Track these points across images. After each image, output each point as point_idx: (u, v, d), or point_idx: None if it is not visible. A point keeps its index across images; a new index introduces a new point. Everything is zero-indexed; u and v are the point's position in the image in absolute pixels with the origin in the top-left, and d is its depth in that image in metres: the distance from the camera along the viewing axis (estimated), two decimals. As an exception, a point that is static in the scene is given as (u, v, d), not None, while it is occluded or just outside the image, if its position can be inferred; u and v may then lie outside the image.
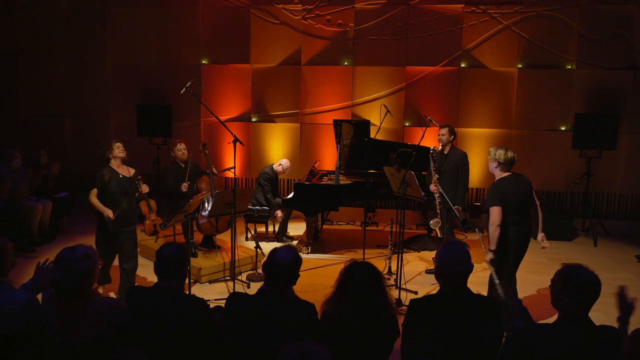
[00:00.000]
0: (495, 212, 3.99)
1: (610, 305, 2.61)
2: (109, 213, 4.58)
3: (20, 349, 2.48)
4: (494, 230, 3.98)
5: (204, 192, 5.54)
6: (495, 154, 4.21)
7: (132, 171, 4.89)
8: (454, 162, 5.78)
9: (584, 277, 2.26)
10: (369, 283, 2.46)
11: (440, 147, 5.88)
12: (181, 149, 5.82)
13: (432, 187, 5.65)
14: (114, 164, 4.75)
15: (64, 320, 2.38)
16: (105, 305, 2.47)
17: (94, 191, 4.65)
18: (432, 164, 5.66)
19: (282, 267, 2.50)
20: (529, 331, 2.33)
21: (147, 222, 4.92)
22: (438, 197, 5.61)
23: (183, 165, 5.84)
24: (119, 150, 4.75)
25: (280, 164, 7.07)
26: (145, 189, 4.85)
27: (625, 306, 2.50)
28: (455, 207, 5.41)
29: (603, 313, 2.60)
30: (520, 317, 2.48)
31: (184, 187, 5.63)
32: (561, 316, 2.32)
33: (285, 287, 2.55)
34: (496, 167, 4.22)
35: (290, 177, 8.24)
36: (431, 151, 5.65)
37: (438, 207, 5.65)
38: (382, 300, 2.48)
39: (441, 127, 5.92)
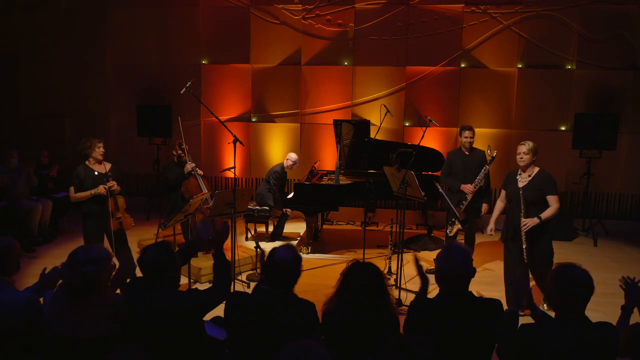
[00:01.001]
0: (558, 199, 4.52)
1: (610, 305, 2.62)
2: (97, 190, 4.79)
3: (20, 347, 2.49)
4: (555, 214, 4.50)
5: (203, 192, 5.54)
6: (533, 146, 4.50)
7: (108, 166, 5.03)
8: (479, 162, 5.71)
9: (577, 275, 2.27)
10: (371, 284, 2.46)
11: (468, 149, 5.71)
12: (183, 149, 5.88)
13: (471, 188, 5.52)
14: (91, 161, 4.91)
15: (70, 317, 2.40)
16: (111, 304, 2.48)
17: (72, 189, 4.85)
18: (487, 167, 5.50)
19: (282, 267, 2.49)
20: (527, 328, 2.34)
21: (112, 219, 4.96)
22: (470, 197, 5.57)
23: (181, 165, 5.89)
24: (99, 151, 4.91)
25: (287, 159, 6.99)
26: (111, 184, 4.86)
27: (633, 296, 2.53)
28: (459, 207, 5.43)
29: (603, 313, 2.61)
30: (516, 301, 2.53)
31: (190, 166, 5.76)
32: (558, 315, 2.33)
33: (285, 287, 2.53)
34: (534, 160, 4.53)
35: (290, 177, 8.23)
36: (493, 155, 5.43)
37: (464, 208, 5.57)
38: (383, 300, 2.48)
39: (465, 129, 5.71)
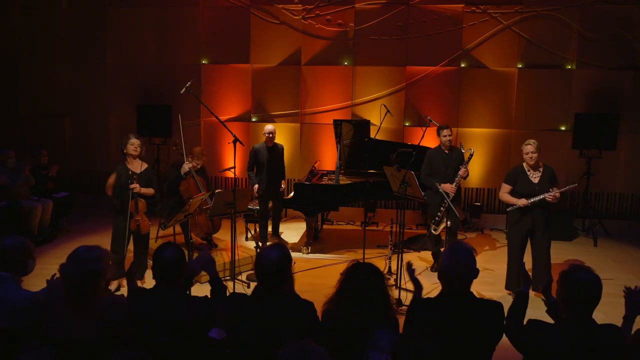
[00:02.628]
0: None
1: (611, 305, 2.62)
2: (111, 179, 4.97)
3: (21, 345, 2.50)
4: None
5: (202, 192, 5.54)
6: (538, 144, 4.87)
7: (145, 166, 5.14)
8: (459, 160, 5.77)
9: (585, 279, 2.26)
10: (371, 284, 2.45)
11: (447, 148, 5.77)
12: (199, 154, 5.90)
13: (451, 188, 5.55)
14: (129, 159, 5.05)
15: (68, 318, 2.41)
16: (107, 304, 2.49)
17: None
18: (466, 165, 5.61)
19: (270, 267, 2.46)
20: (533, 325, 2.34)
21: (132, 219, 5.00)
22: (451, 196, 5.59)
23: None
24: (132, 147, 5.03)
25: (263, 133, 6.60)
26: (133, 186, 4.94)
27: (634, 304, 2.52)
28: (441, 208, 5.44)
29: (604, 313, 2.61)
30: (527, 284, 2.68)
31: (187, 166, 5.71)
32: (564, 316, 2.33)
33: (277, 286, 2.50)
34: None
35: (290, 177, 8.24)
36: (472, 153, 5.57)
37: (445, 207, 5.62)
38: (384, 301, 2.48)
39: (443, 127, 5.77)
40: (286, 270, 2.52)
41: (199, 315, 2.54)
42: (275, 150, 6.63)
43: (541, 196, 4.80)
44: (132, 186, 4.91)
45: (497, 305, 2.48)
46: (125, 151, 5.04)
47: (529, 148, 4.86)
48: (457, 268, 2.40)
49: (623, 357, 2.22)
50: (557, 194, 4.80)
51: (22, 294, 2.66)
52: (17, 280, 2.76)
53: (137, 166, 5.08)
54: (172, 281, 2.58)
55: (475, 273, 2.43)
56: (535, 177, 4.93)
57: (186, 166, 5.72)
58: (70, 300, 2.43)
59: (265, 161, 6.52)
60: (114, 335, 2.45)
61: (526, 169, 4.96)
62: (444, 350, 2.09)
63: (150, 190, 5.10)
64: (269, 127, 6.58)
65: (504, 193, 5.06)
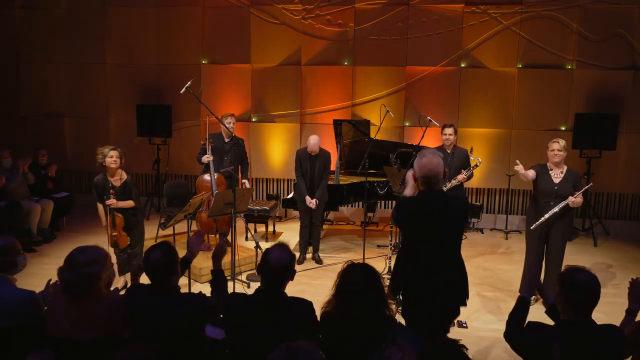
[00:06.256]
0: None
1: (611, 305, 2.62)
2: (102, 220, 4.95)
3: (17, 343, 2.50)
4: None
5: (203, 192, 5.54)
6: (565, 144, 4.79)
7: (125, 177, 4.96)
8: (460, 161, 5.77)
9: (584, 280, 2.26)
10: (366, 285, 2.45)
11: (450, 148, 5.79)
12: (232, 122, 6.07)
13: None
14: (108, 172, 4.88)
15: (69, 318, 2.41)
16: (107, 304, 2.49)
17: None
18: (468, 174, 5.64)
19: (277, 267, 2.47)
20: (533, 327, 2.34)
21: (109, 235, 4.87)
22: None
23: (227, 141, 5.94)
24: (110, 160, 4.82)
25: (308, 141, 6.11)
26: (110, 202, 4.78)
27: (638, 297, 2.53)
28: None
29: (603, 313, 2.61)
30: (531, 289, 2.82)
31: (205, 159, 5.79)
32: (564, 317, 2.33)
33: (280, 286, 2.52)
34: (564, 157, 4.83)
35: (290, 177, 8.24)
36: (478, 163, 5.60)
37: None
38: (380, 301, 2.48)
39: (446, 127, 5.79)
40: (291, 270, 2.55)
41: (192, 313, 2.54)
42: (317, 159, 6.10)
43: (562, 204, 4.64)
44: (108, 202, 4.77)
45: (461, 198, 3.56)
46: (103, 164, 4.84)
47: (555, 146, 4.77)
48: (428, 168, 2.95)
49: (623, 357, 2.22)
50: (580, 198, 4.66)
51: (17, 293, 2.67)
52: (11, 279, 2.77)
53: (117, 178, 4.91)
54: (164, 282, 2.57)
55: (442, 171, 2.99)
56: (556, 177, 4.82)
57: (205, 159, 5.82)
58: (70, 301, 2.43)
59: (308, 168, 6.12)
60: (115, 335, 2.45)
61: (549, 168, 4.86)
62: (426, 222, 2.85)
63: (128, 203, 4.93)
64: (311, 138, 6.09)
65: (525, 171, 4.89)
